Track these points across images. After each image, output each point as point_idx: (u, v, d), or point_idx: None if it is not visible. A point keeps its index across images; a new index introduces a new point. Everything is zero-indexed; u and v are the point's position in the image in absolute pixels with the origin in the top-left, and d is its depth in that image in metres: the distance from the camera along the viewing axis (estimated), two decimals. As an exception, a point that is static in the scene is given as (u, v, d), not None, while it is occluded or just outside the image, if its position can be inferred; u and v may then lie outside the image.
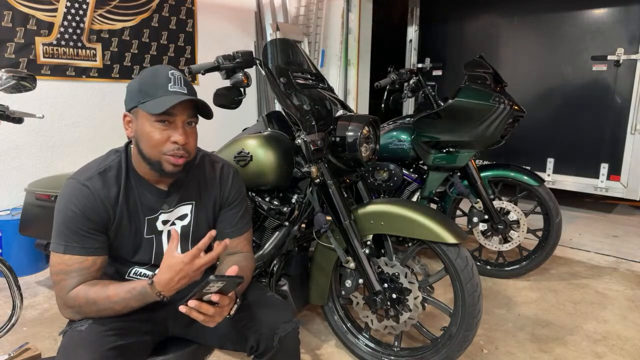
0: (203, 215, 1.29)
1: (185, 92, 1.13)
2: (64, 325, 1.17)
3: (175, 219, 1.26)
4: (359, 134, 1.69)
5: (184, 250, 1.27)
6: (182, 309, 0.99)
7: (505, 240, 2.64)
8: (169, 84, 1.12)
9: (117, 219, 1.16)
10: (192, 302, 0.98)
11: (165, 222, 1.24)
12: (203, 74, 1.63)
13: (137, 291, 1.08)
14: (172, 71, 1.14)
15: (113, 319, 1.12)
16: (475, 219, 2.55)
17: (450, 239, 1.57)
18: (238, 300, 1.13)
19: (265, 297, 1.29)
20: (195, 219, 1.28)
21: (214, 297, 1.00)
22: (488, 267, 2.76)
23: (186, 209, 1.27)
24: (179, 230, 1.26)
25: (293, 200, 1.83)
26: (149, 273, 1.25)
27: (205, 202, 1.29)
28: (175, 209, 1.25)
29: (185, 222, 1.27)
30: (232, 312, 1.11)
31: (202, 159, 1.31)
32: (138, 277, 1.25)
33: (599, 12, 3.83)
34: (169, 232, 1.25)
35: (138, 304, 1.10)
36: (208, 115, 1.18)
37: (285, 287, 1.87)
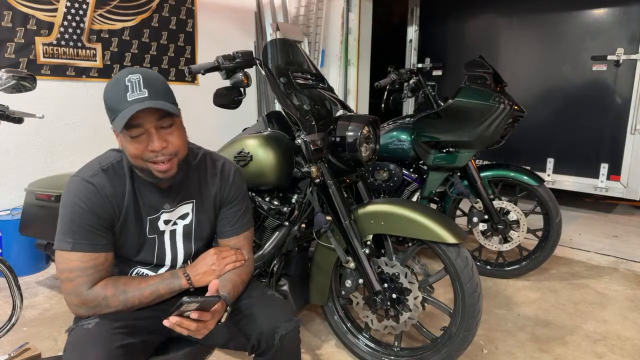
0: (204, 214, 1.29)
1: (145, 95, 1.06)
2: (66, 325, 1.18)
3: (177, 218, 1.26)
4: (359, 134, 1.69)
5: (187, 249, 1.29)
6: (165, 323, 1.00)
7: (505, 240, 2.64)
8: (127, 93, 1.05)
9: (123, 216, 1.17)
10: (173, 318, 1.00)
11: (167, 222, 1.24)
12: (203, 74, 1.63)
13: (167, 275, 1.19)
14: (129, 76, 1.07)
15: (120, 317, 1.13)
16: (475, 219, 2.55)
17: (450, 239, 1.57)
18: (229, 308, 1.13)
19: (266, 296, 1.29)
20: (197, 218, 1.28)
21: (193, 315, 1.01)
22: (488, 267, 2.76)
23: (187, 207, 1.27)
24: (181, 230, 1.26)
25: (293, 200, 1.83)
26: (152, 273, 1.25)
27: (205, 200, 1.29)
28: (176, 208, 1.25)
29: (187, 220, 1.27)
30: (223, 319, 1.11)
31: (204, 157, 1.31)
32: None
33: (599, 12, 3.83)
34: (171, 232, 1.25)
35: (166, 290, 1.17)
36: (174, 111, 1.09)
37: (285, 287, 1.87)
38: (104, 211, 1.14)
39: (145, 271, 1.26)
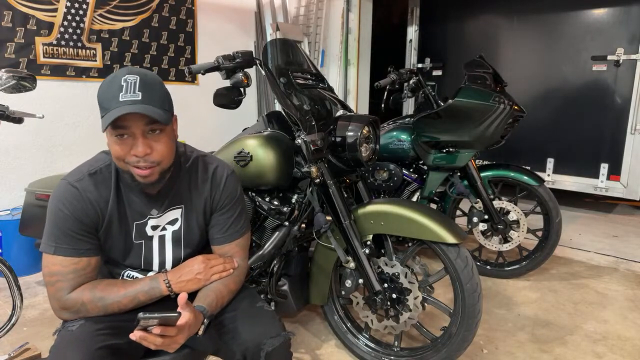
0: (194, 219, 1.26)
1: (139, 98, 1.03)
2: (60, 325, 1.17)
3: (165, 224, 1.23)
4: (359, 134, 1.69)
5: (176, 255, 1.25)
6: (132, 337, 0.97)
7: (505, 240, 2.64)
8: (121, 93, 1.03)
9: (107, 221, 1.15)
10: (137, 333, 0.97)
11: (155, 228, 1.21)
12: (203, 74, 1.63)
13: (147, 281, 1.15)
14: (127, 76, 1.05)
15: (105, 319, 1.12)
16: (475, 219, 2.55)
17: (450, 239, 1.57)
18: (206, 320, 1.11)
19: (254, 308, 1.24)
20: (186, 223, 1.25)
21: (155, 330, 0.98)
22: (488, 267, 2.76)
23: (176, 213, 1.23)
24: (170, 236, 1.24)
25: (293, 200, 1.83)
26: (141, 276, 1.23)
27: (195, 206, 1.25)
28: (164, 214, 1.22)
29: (176, 226, 1.24)
30: (201, 332, 1.10)
31: (196, 160, 1.27)
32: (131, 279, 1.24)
33: (599, 12, 3.83)
34: (159, 237, 1.23)
35: (146, 296, 1.14)
36: (163, 120, 1.06)
37: (285, 287, 1.87)
38: (86, 216, 1.12)
39: (134, 274, 1.24)
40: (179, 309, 1.03)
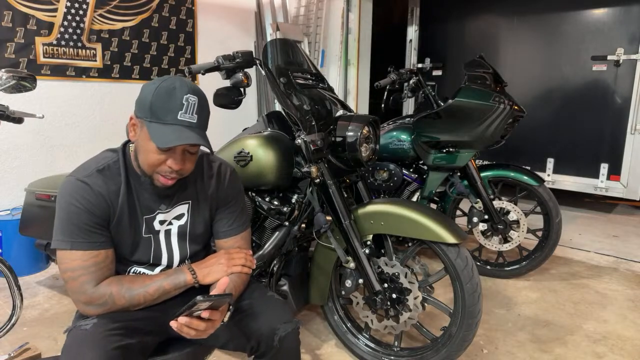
0: (200, 215, 1.30)
1: (195, 121, 1.10)
2: (66, 325, 1.18)
3: (172, 218, 1.26)
4: (359, 134, 1.69)
5: (182, 248, 1.29)
6: (172, 324, 0.99)
7: (505, 240, 2.64)
8: (180, 112, 1.08)
9: (118, 214, 1.17)
10: (182, 319, 0.99)
11: (162, 222, 1.25)
12: (203, 74, 1.63)
13: (172, 271, 1.21)
14: (188, 95, 1.09)
15: (118, 319, 1.12)
16: (475, 219, 2.55)
17: (450, 239, 1.57)
18: (231, 307, 1.13)
19: (266, 297, 1.29)
20: (192, 219, 1.29)
21: (204, 314, 1.00)
22: (488, 267, 2.76)
23: (183, 208, 1.28)
24: (176, 230, 1.27)
25: (293, 200, 1.83)
26: (149, 272, 1.25)
27: (201, 202, 1.30)
28: (172, 209, 1.26)
29: (182, 221, 1.28)
30: (226, 318, 1.11)
31: (201, 159, 1.31)
32: None
33: (599, 12, 3.83)
34: (165, 231, 1.26)
35: (171, 286, 1.18)
36: (209, 149, 1.17)
37: (285, 287, 1.87)
38: (99, 209, 1.14)
39: (142, 270, 1.26)
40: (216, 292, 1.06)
